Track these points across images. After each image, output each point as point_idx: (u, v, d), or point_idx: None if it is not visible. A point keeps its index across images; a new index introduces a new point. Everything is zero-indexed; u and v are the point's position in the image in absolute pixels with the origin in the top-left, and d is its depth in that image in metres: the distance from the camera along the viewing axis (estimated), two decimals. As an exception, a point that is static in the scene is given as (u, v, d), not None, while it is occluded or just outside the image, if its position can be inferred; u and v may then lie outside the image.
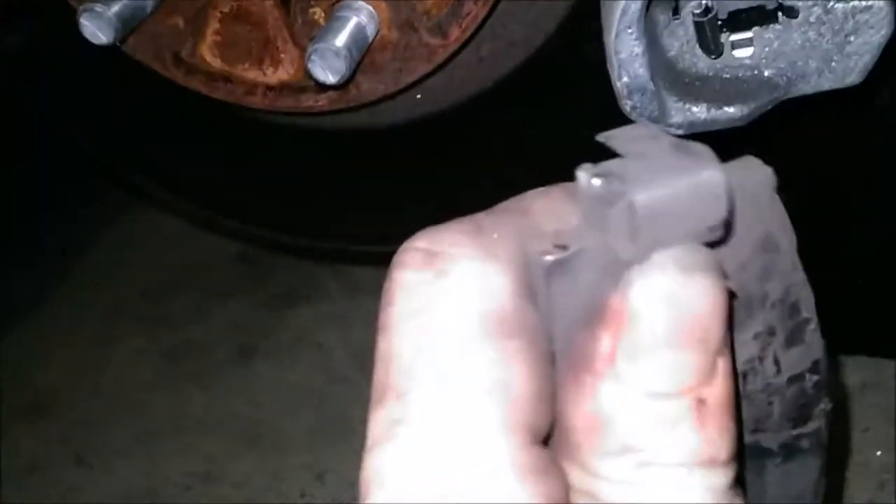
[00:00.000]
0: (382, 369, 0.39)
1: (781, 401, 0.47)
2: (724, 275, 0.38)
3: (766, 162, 0.48)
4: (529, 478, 0.35)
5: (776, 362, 0.47)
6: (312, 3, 0.89)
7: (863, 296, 1.19)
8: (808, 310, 0.48)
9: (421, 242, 0.41)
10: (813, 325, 0.47)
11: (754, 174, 0.48)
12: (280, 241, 1.19)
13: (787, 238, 0.47)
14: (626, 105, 0.81)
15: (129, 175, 1.21)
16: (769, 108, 0.82)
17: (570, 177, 1.08)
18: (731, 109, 0.80)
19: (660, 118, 0.82)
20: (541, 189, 0.48)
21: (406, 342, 0.38)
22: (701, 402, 0.35)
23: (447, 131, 1.02)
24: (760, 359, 0.47)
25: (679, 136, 0.83)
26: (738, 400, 0.42)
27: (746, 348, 0.46)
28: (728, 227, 0.40)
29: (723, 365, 0.37)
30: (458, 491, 0.34)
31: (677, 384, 0.35)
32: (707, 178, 0.39)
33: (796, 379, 0.47)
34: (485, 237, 0.40)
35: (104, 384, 1.70)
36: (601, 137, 0.44)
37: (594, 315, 0.37)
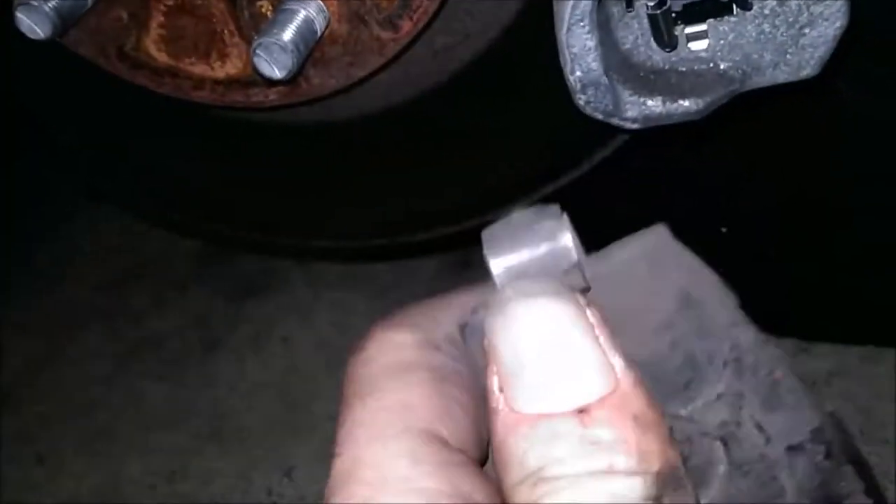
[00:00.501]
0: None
1: (791, 475, 0.43)
2: (578, 292, 0.41)
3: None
4: (424, 466, 0.40)
5: (759, 428, 0.44)
6: (259, -5, 0.86)
7: (827, 284, 1.20)
8: (775, 369, 0.45)
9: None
10: (790, 387, 0.44)
11: (651, 236, 0.48)
12: (234, 236, 1.16)
13: (711, 294, 0.46)
14: (580, 100, 0.79)
15: (79, 172, 1.18)
16: (725, 101, 0.80)
17: (526, 167, 1.06)
18: (686, 103, 0.79)
19: (614, 112, 0.81)
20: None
21: (346, 389, 0.48)
22: (583, 412, 0.36)
23: (404, 125, 1.00)
24: (737, 423, 0.44)
25: (636, 131, 0.82)
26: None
27: (713, 411, 0.45)
28: (582, 273, 0.44)
29: (618, 372, 0.38)
30: (366, 471, 0.41)
31: (547, 399, 0.37)
32: (549, 227, 0.45)
33: (798, 450, 0.44)
34: (408, 319, 0.50)
35: (61, 381, 1.67)
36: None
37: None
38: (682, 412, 0.45)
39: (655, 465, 0.36)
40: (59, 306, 1.79)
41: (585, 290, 0.45)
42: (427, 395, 0.43)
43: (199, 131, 1.08)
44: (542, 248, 0.44)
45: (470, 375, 0.45)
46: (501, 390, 0.39)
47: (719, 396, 0.45)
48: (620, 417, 0.36)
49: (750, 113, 0.84)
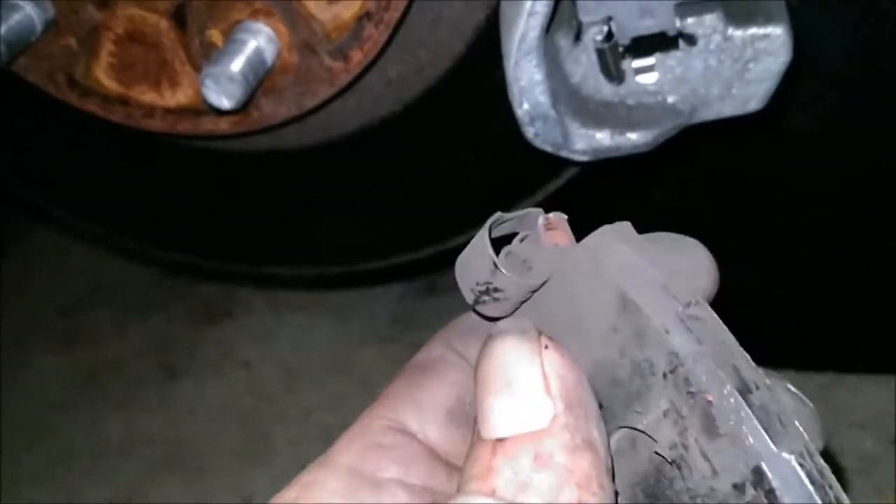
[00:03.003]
0: None
1: None
2: (539, 335, 0.43)
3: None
4: (353, 445, 0.46)
5: (704, 456, 0.41)
6: (209, 24, 0.86)
7: (785, 310, 1.20)
8: (708, 389, 0.40)
9: None
10: (724, 410, 0.40)
11: (607, 231, 0.46)
12: (190, 264, 1.15)
13: (649, 296, 0.43)
14: (529, 132, 0.79)
15: (29, 198, 1.16)
16: (673, 134, 0.81)
17: (479, 195, 1.06)
18: (634, 136, 0.80)
19: (563, 145, 0.81)
20: None
21: None
22: (499, 440, 0.41)
23: (358, 153, 1.00)
24: (685, 447, 0.41)
25: (585, 163, 0.83)
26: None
27: (663, 429, 0.42)
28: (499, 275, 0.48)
29: (548, 414, 0.41)
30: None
31: (483, 426, 0.42)
32: (477, 236, 0.48)
33: (740, 490, 0.40)
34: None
35: (17, 406, 1.64)
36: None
37: None
38: (640, 426, 0.43)
39: (533, 501, 0.39)
40: (15, 330, 1.76)
41: (539, 287, 0.48)
42: (400, 386, 0.50)
43: (152, 158, 1.07)
44: (478, 266, 0.49)
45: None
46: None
47: (665, 413, 0.42)
48: (522, 451, 0.40)
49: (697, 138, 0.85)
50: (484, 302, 0.50)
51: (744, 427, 0.39)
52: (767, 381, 0.42)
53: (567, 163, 0.82)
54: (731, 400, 0.40)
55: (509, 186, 0.99)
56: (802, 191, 1.08)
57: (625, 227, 0.46)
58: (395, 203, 1.04)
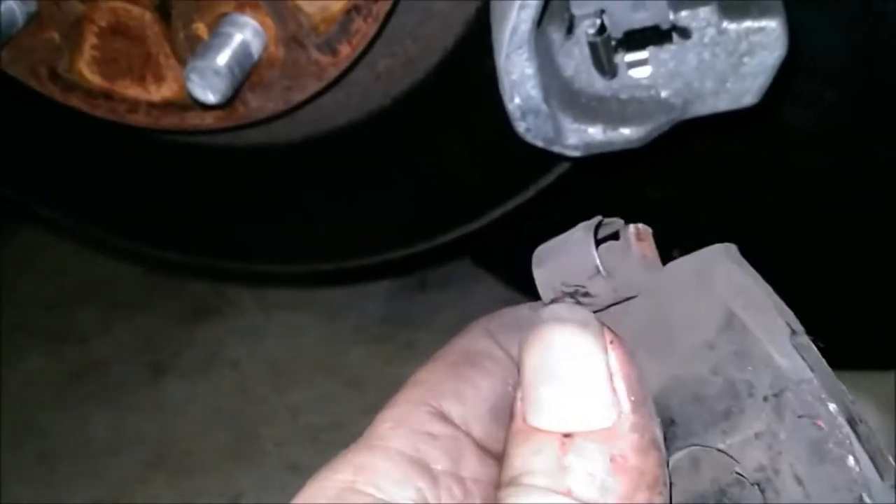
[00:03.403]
0: None
1: None
2: (603, 327, 0.42)
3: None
4: (400, 430, 0.44)
5: (798, 481, 0.40)
6: (195, 17, 0.84)
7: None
8: (818, 414, 0.40)
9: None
10: (837, 438, 0.39)
11: (710, 252, 0.46)
12: (178, 261, 1.13)
13: (759, 318, 0.42)
14: (520, 127, 0.78)
15: (14, 196, 1.14)
16: (666, 129, 0.80)
17: (470, 190, 1.05)
18: (627, 131, 0.78)
19: (555, 140, 0.79)
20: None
21: None
22: (568, 436, 0.40)
23: (347, 148, 0.99)
24: (775, 471, 0.41)
25: (577, 158, 0.81)
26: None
27: (751, 451, 0.42)
28: (602, 279, 0.47)
29: (619, 412, 0.40)
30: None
31: (544, 417, 0.41)
32: (577, 236, 0.47)
33: None
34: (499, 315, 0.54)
35: (3, 405, 1.62)
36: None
37: None
38: (721, 445, 0.43)
39: (609, 502, 0.39)
40: (2, 328, 1.74)
41: (625, 299, 0.47)
42: (442, 374, 0.48)
43: (138, 154, 1.05)
44: (572, 268, 0.48)
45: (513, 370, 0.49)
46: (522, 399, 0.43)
47: (757, 436, 0.42)
48: (597, 452, 0.39)
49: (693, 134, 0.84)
50: (564, 303, 0.49)
51: (852, 456, 0.39)
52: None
53: (559, 158, 0.81)
54: (844, 429, 0.40)
55: (500, 181, 0.97)
56: (798, 188, 1.07)
57: (733, 248, 0.46)
58: (386, 198, 1.03)
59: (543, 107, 0.75)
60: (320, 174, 1.03)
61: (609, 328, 0.42)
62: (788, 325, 0.43)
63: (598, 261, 0.47)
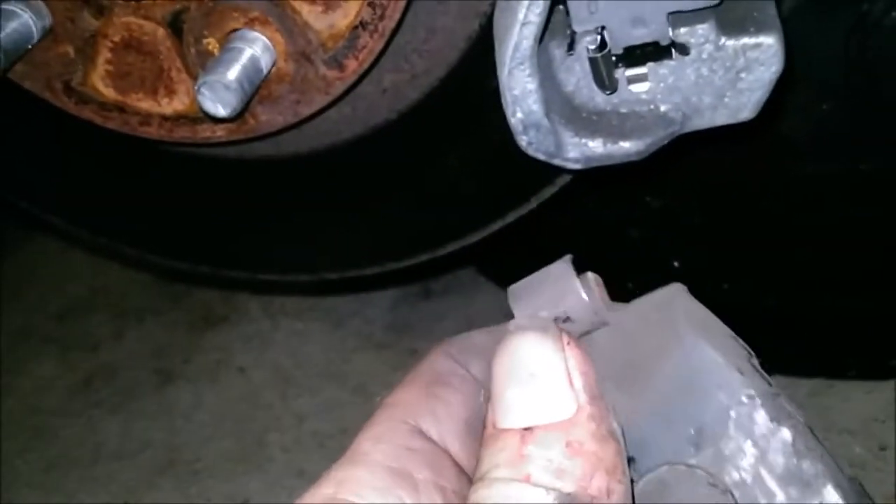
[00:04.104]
0: None
1: None
2: (561, 332, 0.45)
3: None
4: (382, 445, 0.47)
5: (770, 487, 0.44)
6: (206, 32, 0.86)
7: (775, 316, 1.21)
8: (783, 428, 0.44)
9: None
10: (800, 451, 0.44)
11: (667, 290, 0.51)
12: (185, 270, 1.15)
13: (720, 345, 0.46)
14: (522, 141, 0.80)
15: (26, 206, 1.17)
16: (665, 143, 0.82)
17: (474, 203, 1.06)
18: (627, 144, 0.80)
19: (556, 153, 0.81)
20: None
21: None
22: (528, 430, 0.43)
23: (353, 161, 1.00)
24: (747, 484, 0.45)
25: (578, 171, 0.83)
26: None
27: (725, 466, 0.45)
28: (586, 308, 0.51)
29: (575, 405, 0.43)
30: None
31: (507, 417, 0.43)
32: (557, 269, 0.51)
33: None
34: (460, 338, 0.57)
35: (13, 411, 1.64)
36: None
37: None
38: (693, 461, 0.46)
39: (569, 487, 0.41)
40: (12, 334, 1.76)
41: (595, 329, 0.51)
42: (416, 395, 0.50)
43: (149, 166, 1.07)
44: (554, 296, 0.51)
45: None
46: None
47: (730, 453, 0.45)
48: (555, 440, 0.42)
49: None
50: (526, 316, 0.53)
51: (822, 458, 0.44)
52: None
53: (560, 171, 0.83)
54: (809, 435, 0.45)
55: (503, 194, 0.99)
56: (795, 198, 1.08)
57: (685, 288, 0.51)
58: (390, 209, 1.04)
59: (545, 121, 0.77)
60: (326, 186, 1.04)
61: (567, 332, 0.45)
62: (745, 348, 0.47)
63: (581, 290, 0.51)
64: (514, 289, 0.54)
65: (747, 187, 1.09)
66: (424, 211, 1.04)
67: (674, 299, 0.50)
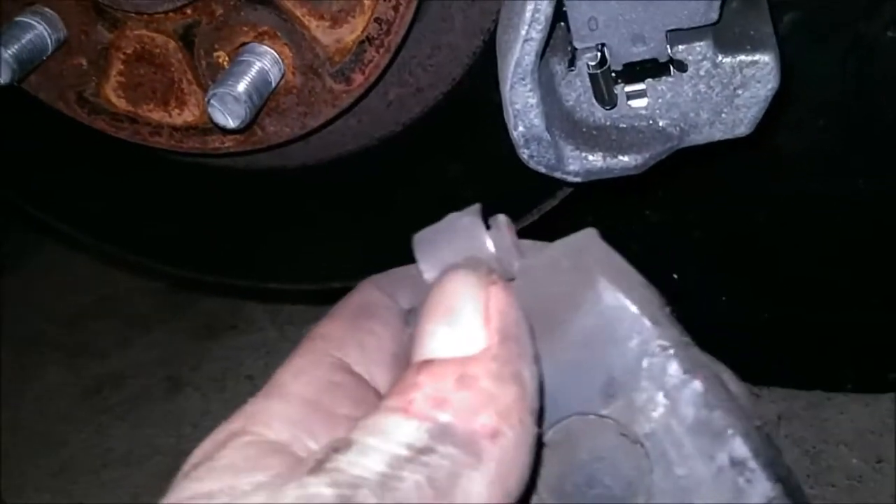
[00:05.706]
0: None
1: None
2: (491, 271, 0.44)
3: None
4: (302, 377, 0.45)
5: (682, 437, 0.44)
6: (216, 46, 0.88)
7: (776, 329, 1.22)
8: (695, 378, 0.43)
9: None
10: (709, 401, 0.43)
11: (580, 236, 0.48)
12: (193, 278, 1.17)
13: (632, 293, 0.45)
14: (523, 154, 0.82)
15: (37, 213, 1.19)
16: (663, 157, 0.83)
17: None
18: (625, 158, 0.82)
19: (557, 166, 0.83)
20: None
21: None
22: (427, 363, 0.41)
23: (358, 172, 1.02)
24: (658, 431, 0.44)
25: (578, 184, 0.85)
26: None
27: (636, 417, 0.44)
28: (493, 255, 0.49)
29: (480, 344, 0.41)
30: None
31: (416, 351, 0.42)
32: (464, 219, 0.50)
33: (721, 473, 0.43)
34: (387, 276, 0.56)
35: (22, 418, 1.66)
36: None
37: None
38: (603, 412, 0.44)
39: (446, 417, 0.39)
40: (21, 342, 1.78)
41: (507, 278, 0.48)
42: (342, 328, 0.49)
43: (159, 175, 1.09)
44: (462, 245, 0.49)
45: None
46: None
47: (641, 404, 0.43)
48: (448, 372, 0.40)
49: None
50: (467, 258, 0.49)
51: (733, 410, 0.43)
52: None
53: (560, 184, 0.85)
54: (719, 384, 0.43)
55: (504, 206, 1.01)
56: (792, 213, 1.10)
57: (597, 233, 0.49)
58: (395, 219, 1.06)
59: (546, 135, 0.79)
60: (332, 196, 1.06)
61: (498, 273, 0.43)
62: (660, 297, 0.45)
63: (487, 239, 0.48)
64: (419, 237, 0.51)
65: (745, 202, 1.11)
66: (428, 221, 1.05)
67: (587, 246, 0.47)
